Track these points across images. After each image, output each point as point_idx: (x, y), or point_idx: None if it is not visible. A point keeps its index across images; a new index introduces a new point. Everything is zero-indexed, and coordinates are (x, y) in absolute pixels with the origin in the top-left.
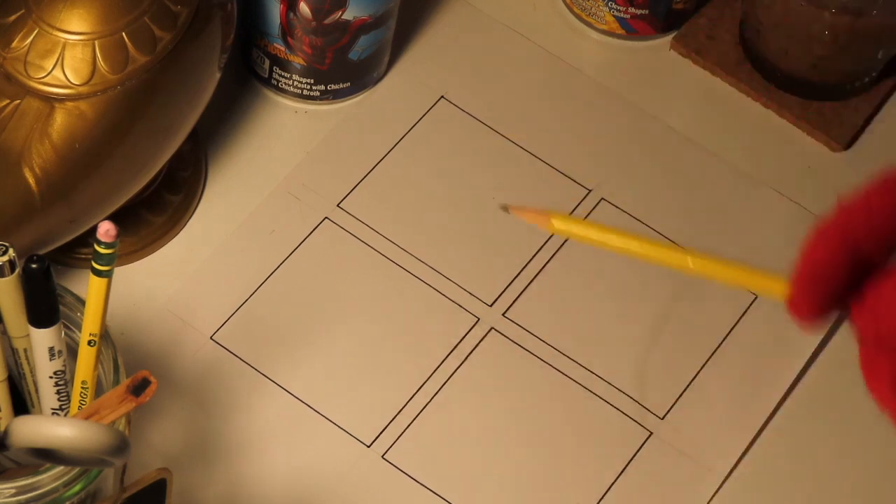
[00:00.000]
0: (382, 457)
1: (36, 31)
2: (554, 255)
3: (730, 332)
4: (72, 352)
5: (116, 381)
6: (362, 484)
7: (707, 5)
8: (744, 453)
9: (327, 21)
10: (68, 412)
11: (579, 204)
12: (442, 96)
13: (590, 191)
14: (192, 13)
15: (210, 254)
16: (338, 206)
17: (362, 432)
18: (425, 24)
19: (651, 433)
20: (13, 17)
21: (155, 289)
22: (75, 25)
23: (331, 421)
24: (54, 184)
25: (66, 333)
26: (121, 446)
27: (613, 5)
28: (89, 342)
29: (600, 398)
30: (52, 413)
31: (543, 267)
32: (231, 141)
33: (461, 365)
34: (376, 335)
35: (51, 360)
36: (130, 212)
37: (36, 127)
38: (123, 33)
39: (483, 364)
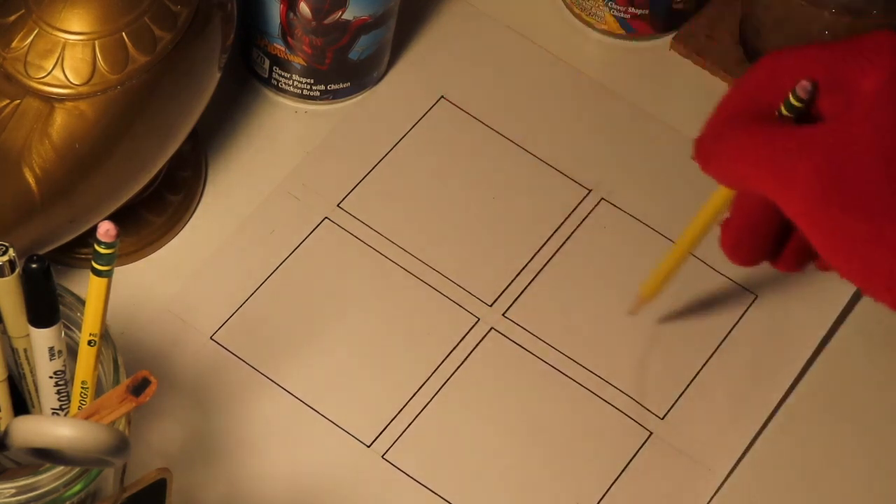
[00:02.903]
0: (382, 457)
1: (36, 31)
2: (554, 255)
3: (730, 332)
4: (72, 352)
5: (116, 381)
6: (362, 484)
7: (707, 5)
8: (744, 453)
9: (327, 21)
10: (68, 412)
11: (579, 204)
12: (442, 96)
13: (590, 191)
14: (192, 13)
15: (210, 254)
16: (338, 206)
17: (362, 432)
18: (425, 24)
19: (651, 433)
20: (13, 17)
21: (155, 289)
22: (75, 25)
23: (331, 421)
24: (54, 184)
25: (66, 333)
26: (121, 446)
27: (613, 5)
28: (89, 342)
29: (600, 398)
30: (52, 413)
31: (543, 267)
32: (231, 141)
33: (461, 365)
34: (376, 335)
35: (51, 360)
36: (130, 212)
37: (36, 127)
38: (123, 33)
39: (483, 364)
